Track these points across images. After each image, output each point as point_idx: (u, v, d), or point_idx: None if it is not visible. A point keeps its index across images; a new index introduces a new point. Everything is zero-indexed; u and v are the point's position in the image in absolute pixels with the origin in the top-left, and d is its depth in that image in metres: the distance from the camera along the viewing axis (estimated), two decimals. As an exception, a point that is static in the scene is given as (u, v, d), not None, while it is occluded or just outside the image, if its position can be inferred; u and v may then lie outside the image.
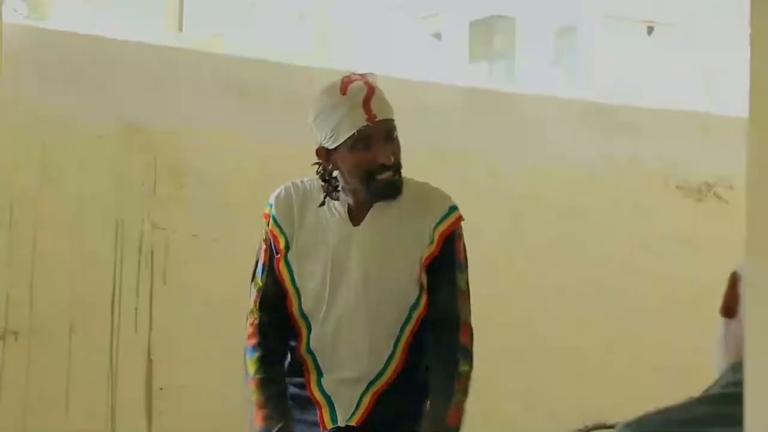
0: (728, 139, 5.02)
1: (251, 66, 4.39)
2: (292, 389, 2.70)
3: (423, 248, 2.64)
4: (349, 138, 2.55)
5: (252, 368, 2.67)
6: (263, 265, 2.74)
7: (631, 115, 5.09)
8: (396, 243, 2.64)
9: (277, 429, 2.58)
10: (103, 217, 4.07)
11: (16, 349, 3.93)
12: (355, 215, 2.66)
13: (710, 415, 1.21)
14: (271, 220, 2.71)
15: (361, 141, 2.56)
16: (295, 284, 2.67)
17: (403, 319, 2.64)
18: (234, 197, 4.27)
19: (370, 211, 2.65)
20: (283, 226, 2.69)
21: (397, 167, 2.61)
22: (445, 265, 2.66)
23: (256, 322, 2.72)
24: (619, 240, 4.94)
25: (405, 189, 2.65)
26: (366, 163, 2.57)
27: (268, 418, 2.61)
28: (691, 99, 5.32)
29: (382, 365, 2.63)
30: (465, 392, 2.63)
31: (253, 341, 2.70)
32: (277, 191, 2.74)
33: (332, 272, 2.63)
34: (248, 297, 4.25)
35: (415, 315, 2.65)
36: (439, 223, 2.65)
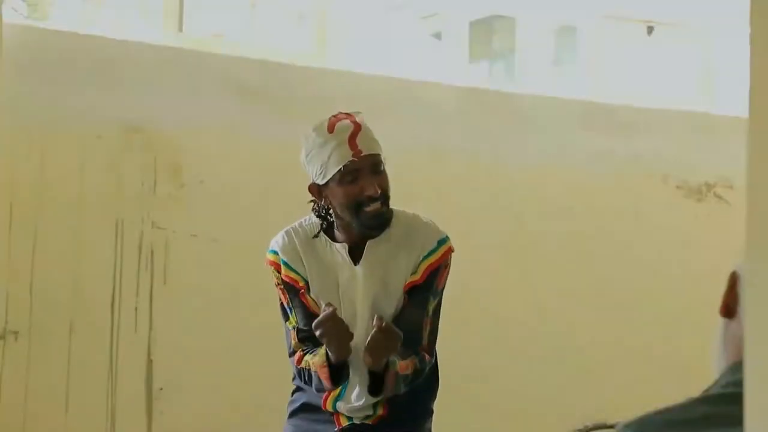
0: (728, 139, 5.01)
1: (251, 66, 4.39)
2: (311, 398, 2.87)
3: (408, 276, 2.79)
4: (337, 173, 2.69)
5: (307, 372, 2.81)
6: (287, 305, 2.85)
7: (631, 115, 5.09)
8: (390, 277, 2.79)
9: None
10: (103, 217, 4.07)
11: (16, 349, 3.93)
12: (355, 254, 2.79)
13: (710, 415, 1.21)
14: (283, 267, 2.82)
15: (348, 175, 2.69)
16: None
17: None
18: (234, 197, 4.27)
19: (365, 249, 2.79)
20: (296, 269, 2.81)
21: (384, 198, 2.73)
22: (422, 289, 2.79)
23: (298, 356, 2.84)
24: (618, 240, 4.94)
25: (396, 223, 2.79)
26: (354, 196, 2.69)
27: (324, 356, 2.73)
28: (691, 99, 5.32)
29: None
30: (413, 370, 2.75)
31: (297, 366, 2.85)
32: (278, 239, 2.85)
33: (344, 309, 2.77)
34: (246, 296, 4.27)
35: None
36: (426, 257, 2.79)
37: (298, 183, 4.37)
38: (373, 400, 2.78)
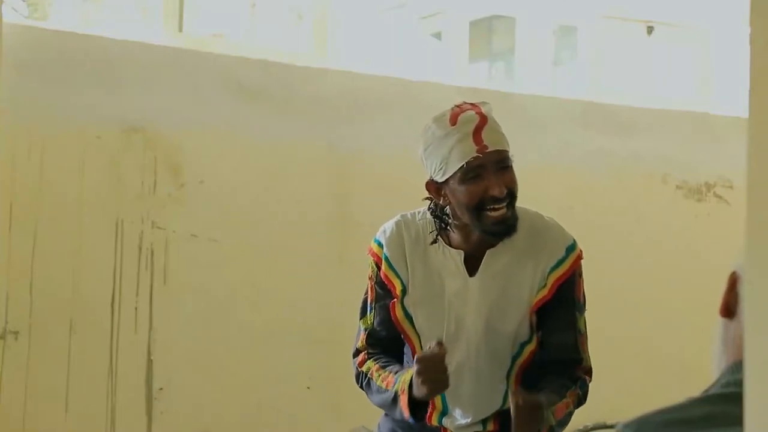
0: (728, 139, 5.02)
1: (251, 66, 4.39)
2: (403, 425, 2.61)
3: (535, 291, 2.53)
4: (458, 170, 2.42)
5: (366, 372, 2.60)
6: (371, 304, 2.62)
7: (631, 115, 5.09)
8: (511, 291, 2.53)
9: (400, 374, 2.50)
10: (103, 217, 4.07)
11: (16, 349, 3.93)
12: (471, 263, 2.54)
13: (710, 415, 1.21)
14: (384, 263, 2.57)
15: (470, 172, 2.42)
16: (416, 329, 2.57)
17: (515, 353, 2.56)
18: (234, 197, 4.27)
19: (484, 259, 2.52)
20: (397, 269, 2.56)
21: (511, 200, 2.49)
22: (564, 307, 2.57)
23: (361, 357, 2.63)
24: (618, 240, 4.94)
25: (520, 224, 2.52)
26: (477, 196, 2.43)
27: (391, 375, 2.54)
28: (691, 99, 5.32)
29: (500, 401, 2.57)
30: (576, 401, 2.57)
31: (359, 368, 2.63)
32: (386, 229, 2.60)
33: (449, 323, 2.54)
34: (246, 296, 4.27)
35: (527, 350, 2.56)
36: (555, 268, 2.54)
37: (298, 183, 4.39)
38: (482, 416, 2.56)
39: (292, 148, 4.39)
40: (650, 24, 5.40)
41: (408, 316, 2.56)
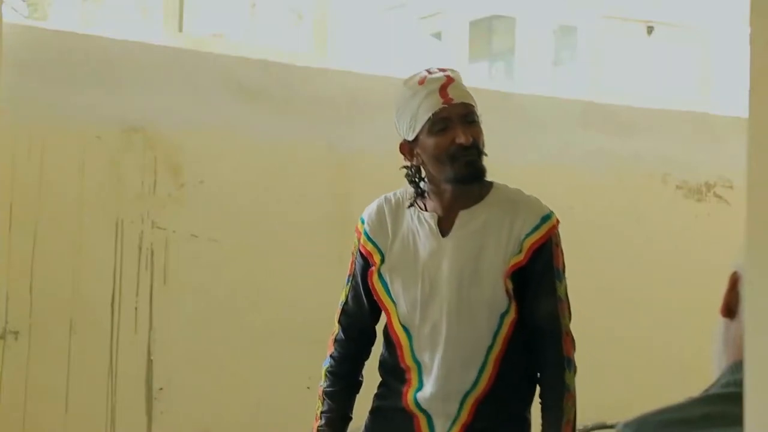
0: (728, 139, 5.02)
1: (251, 66, 4.39)
2: (385, 402, 2.70)
3: (510, 257, 2.58)
4: (426, 122, 2.54)
5: (322, 377, 2.77)
6: (349, 276, 2.74)
7: (631, 115, 5.09)
8: (485, 252, 2.58)
9: None
10: (103, 217, 4.08)
11: (16, 349, 3.93)
12: (444, 225, 2.61)
13: (710, 415, 1.21)
14: (363, 236, 2.69)
15: (438, 124, 2.54)
16: (391, 296, 2.65)
17: (495, 328, 2.59)
18: (234, 197, 4.27)
19: (457, 219, 2.60)
20: (376, 241, 2.66)
21: (478, 150, 2.57)
22: (543, 275, 2.60)
23: (334, 335, 2.77)
24: (618, 240, 4.94)
25: (496, 194, 2.62)
26: (445, 147, 2.53)
27: (317, 430, 2.73)
28: (691, 99, 5.32)
29: (474, 377, 2.59)
30: (573, 404, 2.61)
31: (329, 352, 2.78)
32: (371, 206, 2.73)
33: (423, 284, 2.60)
34: (246, 296, 4.27)
35: (507, 322, 2.59)
36: (530, 234, 2.59)
37: (298, 183, 4.39)
38: (451, 390, 2.58)
39: (292, 148, 4.39)
40: (650, 24, 5.40)
41: (384, 284, 2.64)
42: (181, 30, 4.53)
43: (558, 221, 2.64)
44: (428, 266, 2.59)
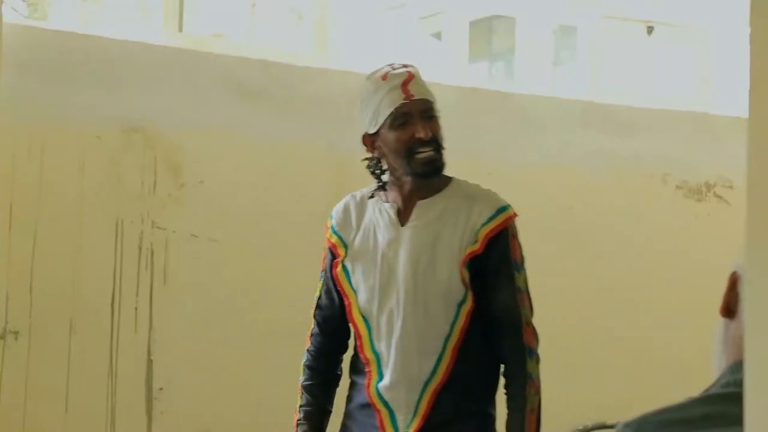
0: (728, 139, 5.02)
1: (251, 66, 4.39)
2: (351, 404, 2.78)
3: (465, 246, 2.65)
4: (388, 117, 2.63)
5: (301, 372, 2.85)
6: (321, 272, 2.82)
7: (631, 115, 5.09)
8: (441, 241, 2.66)
9: None
10: (103, 217, 4.08)
11: (16, 349, 3.93)
12: (404, 215, 2.70)
13: (710, 415, 1.21)
14: (330, 231, 2.78)
15: (399, 118, 2.63)
16: (352, 285, 2.72)
17: (452, 317, 2.64)
18: (234, 197, 4.27)
19: (414, 210, 2.69)
20: (341, 234, 2.75)
21: (437, 145, 2.65)
22: (501, 266, 2.66)
23: (310, 329, 2.85)
24: (618, 240, 4.94)
25: (454, 187, 2.70)
26: (405, 140, 2.62)
27: (297, 424, 2.82)
28: (691, 99, 5.31)
29: (432, 365, 2.64)
30: (537, 392, 2.67)
31: (306, 346, 2.85)
32: (339, 203, 2.81)
33: (382, 272, 2.67)
34: (246, 296, 4.27)
35: (463, 311, 2.65)
36: (485, 224, 2.66)
37: (298, 183, 4.39)
38: (408, 378, 2.64)
39: (292, 148, 4.38)
40: (650, 24, 5.40)
41: (346, 273, 2.72)
42: (181, 30, 4.53)
43: (515, 214, 2.72)
44: (386, 255, 2.67)
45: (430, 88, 2.77)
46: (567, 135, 4.91)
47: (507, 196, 4.65)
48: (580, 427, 4.02)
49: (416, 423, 2.64)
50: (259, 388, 4.23)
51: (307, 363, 2.83)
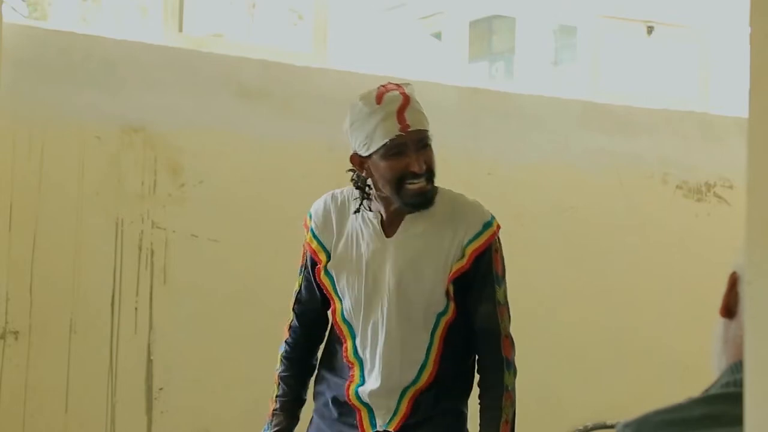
0: (728, 139, 5.02)
1: (251, 66, 4.39)
2: (321, 399, 2.82)
3: (452, 262, 2.67)
4: (382, 146, 2.59)
5: (278, 362, 2.86)
6: (301, 267, 2.83)
7: (631, 115, 5.09)
8: (427, 255, 2.67)
9: (273, 425, 2.81)
10: (103, 217, 4.08)
11: (16, 349, 3.93)
12: (388, 226, 2.70)
13: (710, 415, 1.21)
14: (309, 233, 2.77)
15: (393, 149, 2.59)
16: (337, 292, 2.74)
17: (431, 327, 2.68)
18: (233, 197, 4.27)
19: (402, 223, 2.68)
20: (321, 239, 2.75)
21: (429, 176, 2.64)
22: (484, 280, 2.69)
23: (289, 321, 2.87)
24: (619, 240, 4.95)
25: (440, 200, 2.69)
26: (398, 171, 2.59)
27: (272, 413, 2.82)
28: (691, 99, 5.32)
29: (415, 374, 2.69)
30: (512, 404, 2.73)
31: (284, 338, 2.87)
32: (318, 201, 2.79)
33: (367, 282, 2.69)
34: (246, 296, 4.27)
35: (443, 321, 2.69)
36: (472, 240, 2.67)
37: (298, 183, 4.39)
38: (393, 384, 2.68)
39: (292, 148, 4.39)
40: (650, 24, 5.40)
41: (331, 279, 2.74)
42: (181, 30, 4.52)
43: (499, 227, 2.73)
44: (371, 265, 2.69)
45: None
46: (567, 135, 4.92)
47: (507, 196, 4.67)
48: (580, 427, 4.02)
49: (395, 423, 2.70)
50: (259, 388, 4.22)
51: (284, 354, 2.86)
